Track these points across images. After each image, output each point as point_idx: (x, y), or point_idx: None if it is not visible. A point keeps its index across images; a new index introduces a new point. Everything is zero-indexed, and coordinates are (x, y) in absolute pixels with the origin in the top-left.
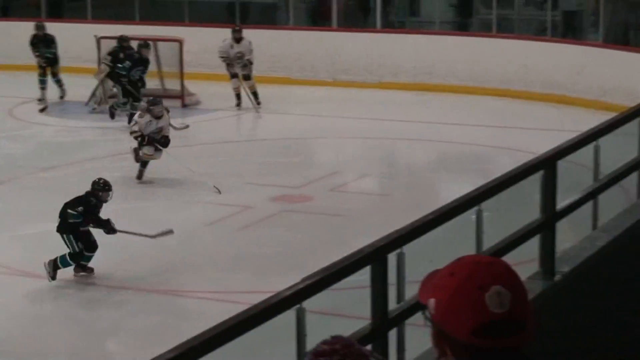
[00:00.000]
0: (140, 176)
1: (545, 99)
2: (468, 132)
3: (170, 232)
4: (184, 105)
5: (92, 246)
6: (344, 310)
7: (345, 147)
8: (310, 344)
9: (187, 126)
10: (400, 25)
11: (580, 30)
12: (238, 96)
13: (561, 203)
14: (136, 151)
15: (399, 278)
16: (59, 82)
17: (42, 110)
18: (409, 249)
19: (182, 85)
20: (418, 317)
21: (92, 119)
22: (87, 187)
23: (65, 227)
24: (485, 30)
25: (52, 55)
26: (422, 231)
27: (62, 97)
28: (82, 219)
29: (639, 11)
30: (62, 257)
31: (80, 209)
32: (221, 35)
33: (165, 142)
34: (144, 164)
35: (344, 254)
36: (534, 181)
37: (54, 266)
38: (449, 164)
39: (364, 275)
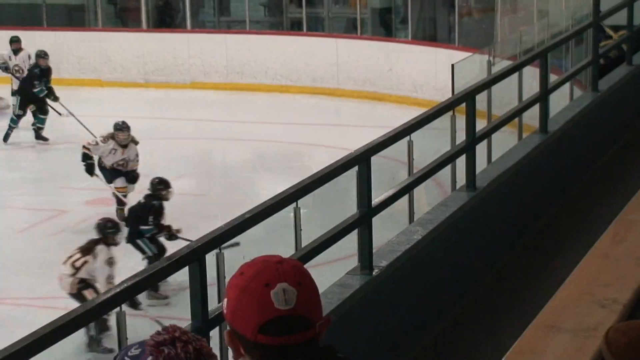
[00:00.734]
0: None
1: (357, 96)
2: (282, 130)
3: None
4: None
5: (163, 248)
6: (165, 312)
7: (160, 148)
8: None
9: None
10: (211, 25)
11: (389, 28)
12: None
13: (377, 198)
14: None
15: (219, 278)
16: None
17: None
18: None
19: None
20: None
21: None
22: None
23: (138, 235)
24: (295, 29)
25: None
26: (239, 230)
27: None
28: (155, 228)
29: (444, 9)
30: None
31: (151, 219)
32: (25, 38)
33: (134, 178)
34: (120, 202)
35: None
36: (351, 177)
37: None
38: (265, 163)
39: (184, 276)
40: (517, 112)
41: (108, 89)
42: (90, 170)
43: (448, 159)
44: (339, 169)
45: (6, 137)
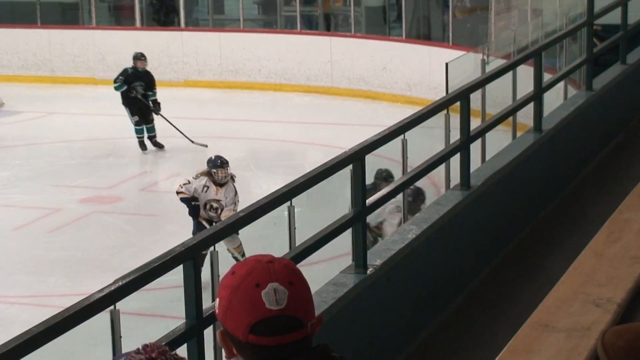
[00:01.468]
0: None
1: (351, 95)
2: (276, 129)
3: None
4: None
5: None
6: (160, 310)
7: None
8: (126, 345)
9: (205, 146)
10: (205, 24)
11: (383, 26)
12: None
13: (371, 197)
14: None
15: (213, 276)
16: None
17: None
18: (221, 246)
19: None
20: None
21: None
22: None
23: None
24: (289, 27)
25: None
26: (234, 228)
27: None
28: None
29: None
30: None
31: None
32: (24, 36)
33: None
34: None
35: (156, 254)
36: (345, 176)
37: None
38: (259, 161)
39: (177, 274)
40: (512, 111)
41: (102, 87)
42: (196, 212)
43: (442, 158)
44: (333, 168)
45: (142, 146)
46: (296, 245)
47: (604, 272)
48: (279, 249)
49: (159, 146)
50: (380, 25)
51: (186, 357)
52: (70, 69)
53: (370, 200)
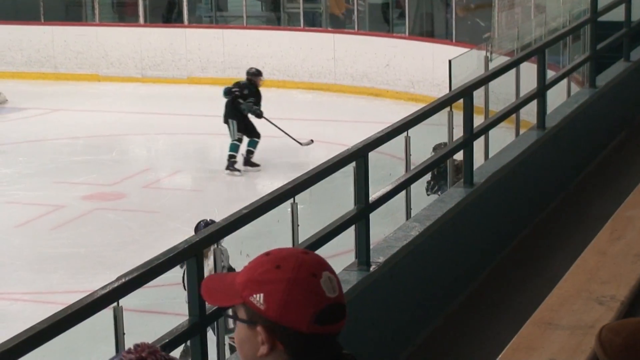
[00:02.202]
0: None
1: (354, 92)
2: (279, 125)
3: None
4: None
5: None
6: (162, 307)
7: (157, 143)
8: (129, 342)
9: (311, 141)
10: (208, 20)
11: (387, 23)
12: None
13: (374, 194)
14: None
15: (216, 272)
16: None
17: None
18: (224, 243)
19: None
20: None
21: None
22: None
23: None
24: (293, 23)
25: None
26: (237, 225)
27: None
28: None
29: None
30: None
31: None
32: (27, 32)
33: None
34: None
35: (159, 251)
36: (348, 173)
37: None
38: (262, 158)
39: (180, 271)
40: (515, 108)
41: (105, 84)
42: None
43: (445, 155)
44: (337, 165)
45: (233, 165)
46: (299, 242)
47: (607, 269)
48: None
49: (254, 165)
50: (383, 22)
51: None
52: (74, 65)
53: (373, 198)
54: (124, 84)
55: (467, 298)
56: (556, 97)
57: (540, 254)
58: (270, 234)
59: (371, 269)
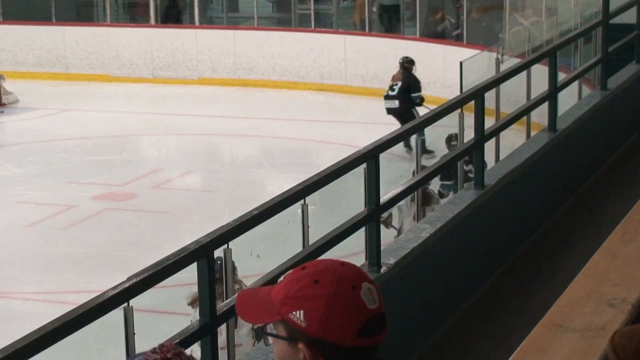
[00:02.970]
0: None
1: (365, 93)
2: (290, 127)
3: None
4: (2, 105)
5: None
6: (173, 308)
7: (168, 143)
8: (139, 342)
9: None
10: (219, 21)
11: (397, 25)
12: None
13: (385, 195)
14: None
15: (226, 274)
16: None
17: None
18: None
19: None
20: None
21: None
22: None
23: None
24: (303, 25)
25: None
26: (248, 226)
27: None
28: None
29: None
30: None
31: None
32: (39, 33)
33: None
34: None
35: (170, 251)
36: (359, 174)
37: None
38: (273, 159)
39: (190, 272)
40: (526, 110)
41: (116, 84)
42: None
43: (456, 157)
44: (347, 166)
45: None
46: (310, 243)
47: (618, 272)
48: (293, 247)
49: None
50: (395, 23)
51: (200, 354)
52: (85, 66)
53: (384, 199)
54: (135, 85)
55: (477, 300)
56: (567, 99)
57: (551, 256)
58: (281, 235)
59: (382, 270)
